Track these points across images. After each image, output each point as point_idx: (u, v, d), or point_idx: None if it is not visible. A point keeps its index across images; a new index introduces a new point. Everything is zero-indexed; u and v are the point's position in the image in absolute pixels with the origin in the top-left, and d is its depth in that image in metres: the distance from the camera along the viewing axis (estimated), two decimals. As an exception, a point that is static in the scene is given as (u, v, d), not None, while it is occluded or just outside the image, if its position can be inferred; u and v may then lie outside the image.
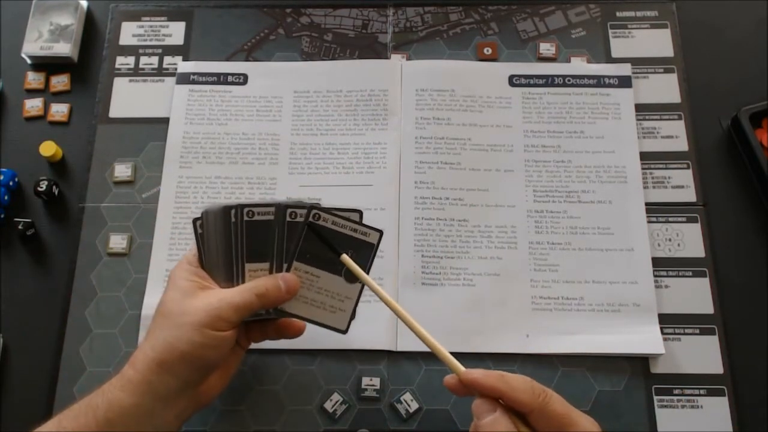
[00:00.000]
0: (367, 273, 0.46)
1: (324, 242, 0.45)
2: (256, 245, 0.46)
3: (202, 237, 0.47)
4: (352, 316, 0.47)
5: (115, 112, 0.67)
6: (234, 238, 0.46)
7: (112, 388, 0.42)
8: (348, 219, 0.45)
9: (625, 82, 0.66)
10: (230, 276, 0.47)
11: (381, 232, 0.46)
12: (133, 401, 0.42)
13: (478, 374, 0.41)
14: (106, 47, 0.69)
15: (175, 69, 0.68)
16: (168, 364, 0.42)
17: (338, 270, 0.45)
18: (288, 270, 0.46)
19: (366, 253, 0.45)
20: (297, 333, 0.50)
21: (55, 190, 0.63)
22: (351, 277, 0.46)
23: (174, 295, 0.45)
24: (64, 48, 0.67)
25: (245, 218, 0.45)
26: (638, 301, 0.58)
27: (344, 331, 0.47)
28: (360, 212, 0.47)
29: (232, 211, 0.45)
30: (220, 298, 0.44)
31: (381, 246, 0.60)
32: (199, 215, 0.47)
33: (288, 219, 0.45)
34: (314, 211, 0.45)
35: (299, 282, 0.46)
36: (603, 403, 0.56)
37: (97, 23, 0.71)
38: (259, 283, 0.45)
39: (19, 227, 0.61)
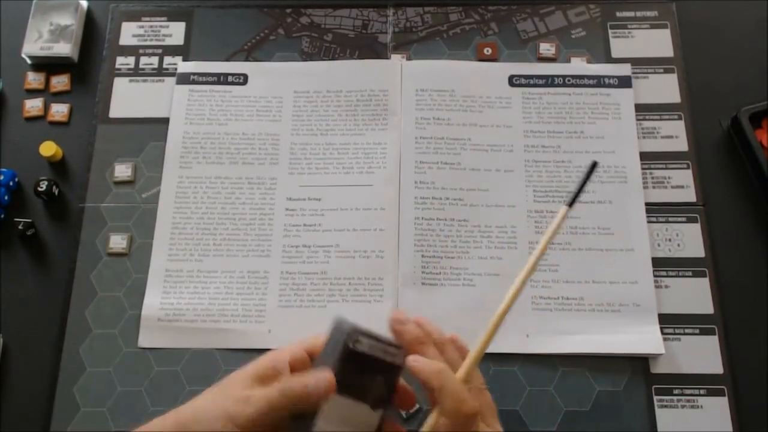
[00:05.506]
0: (389, 401, 0.40)
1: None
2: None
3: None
4: None
5: (115, 112, 0.67)
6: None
7: None
8: (381, 339, 0.39)
9: (625, 82, 0.66)
10: None
11: (407, 356, 0.40)
12: None
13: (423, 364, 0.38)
14: (106, 47, 0.69)
15: (175, 69, 0.68)
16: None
17: (366, 398, 0.39)
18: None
19: (390, 378, 0.39)
20: None
21: (55, 190, 0.63)
22: (376, 404, 0.39)
23: (239, 374, 0.40)
24: (64, 48, 0.67)
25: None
26: (638, 301, 0.58)
27: None
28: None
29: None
30: (250, 392, 0.39)
31: (381, 246, 0.61)
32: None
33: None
34: (353, 335, 0.38)
35: (332, 382, 0.38)
36: (603, 403, 0.56)
37: (97, 23, 0.71)
38: (288, 380, 0.39)
39: (19, 227, 0.61)
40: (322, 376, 0.38)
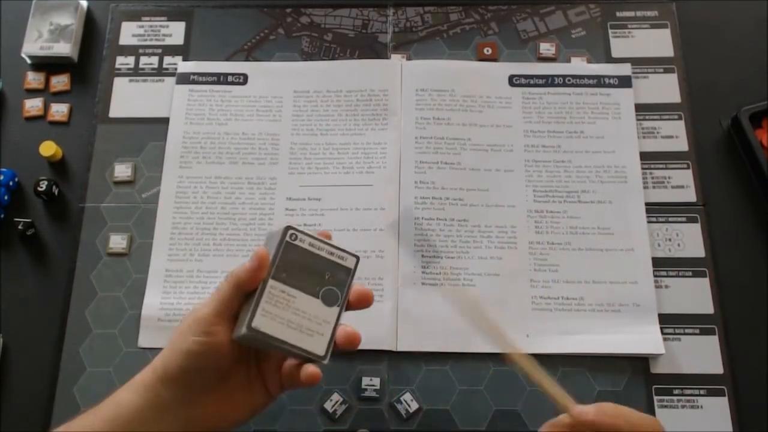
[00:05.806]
0: (344, 299, 0.44)
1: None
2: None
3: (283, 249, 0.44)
4: (331, 343, 0.44)
5: (115, 112, 0.67)
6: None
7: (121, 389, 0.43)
8: (325, 242, 0.44)
9: (625, 82, 0.66)
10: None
11: (357, 258, 0.44)
12: (130, 398, 0.42)
13: (592, 412, 0.42)
14: (106, 47, 0.69)
15: (175, 69, 0.68)
16: (161, 372, 0.42)
17: (316, 292, 0.43)
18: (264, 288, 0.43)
19: (342, 277, 0.44)
20: (313, 378, 0.44)
21: (55, 190, 0.63)
22: (329, 300, 0.44)
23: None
24: (64, 48, 0.67)
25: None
26: (638, 301, 0.58)
27: (323, 357, 0.43)
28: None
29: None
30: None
31: (381, 246, 0.61)
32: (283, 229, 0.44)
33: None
34: (291, 231, 0.43)
35: (265, 254, 0.42)
36: (603, 403, 0.56)
37: (97, 23, 0.71)
38: (233, 269, 0.43)
39: (19, 227, 0.61)
40: (256, 253, 0.42)
